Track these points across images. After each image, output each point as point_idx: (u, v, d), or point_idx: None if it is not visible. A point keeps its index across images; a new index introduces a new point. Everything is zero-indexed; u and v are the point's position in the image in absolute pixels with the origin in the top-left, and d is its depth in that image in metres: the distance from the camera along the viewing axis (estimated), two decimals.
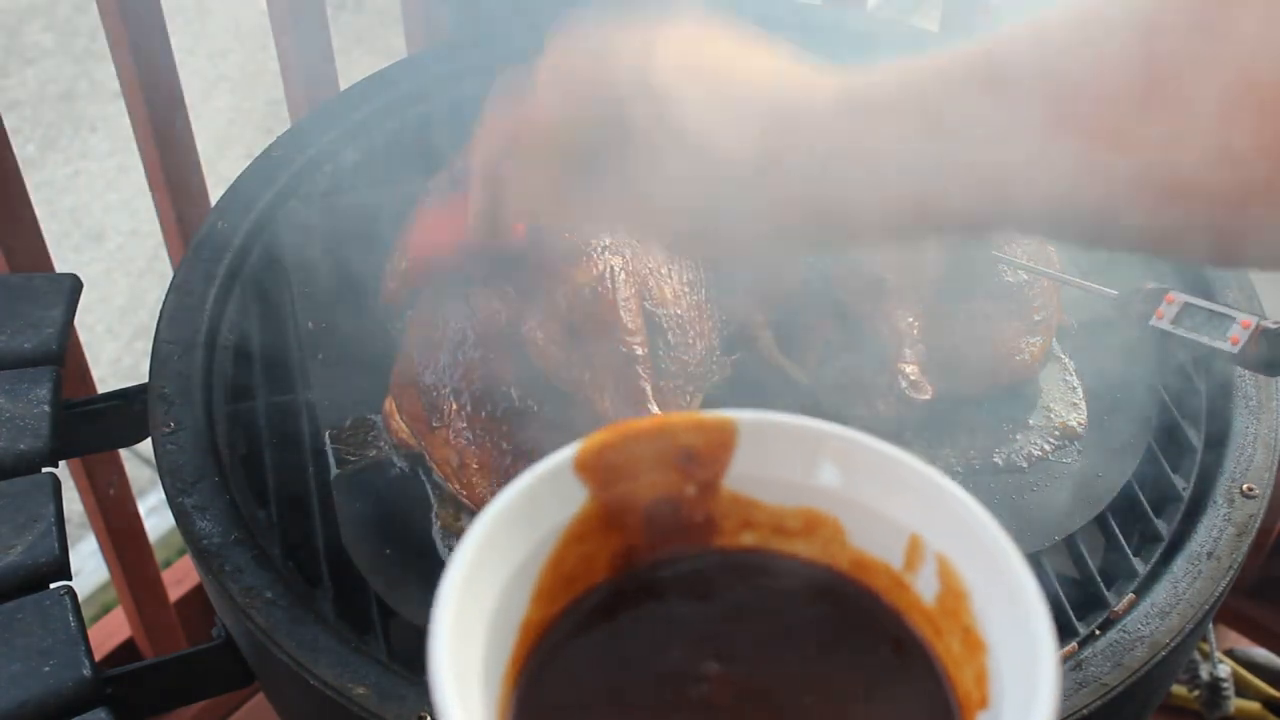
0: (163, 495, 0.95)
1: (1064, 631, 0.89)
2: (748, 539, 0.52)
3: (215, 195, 1.22)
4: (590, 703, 0.47)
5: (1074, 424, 0.99)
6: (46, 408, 0.99)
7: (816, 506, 0.50)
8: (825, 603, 0.50)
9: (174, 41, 1.29)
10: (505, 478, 0.88)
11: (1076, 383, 1.02)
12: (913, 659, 0.48)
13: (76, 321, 1.10)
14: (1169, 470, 0.98)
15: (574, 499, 0.49)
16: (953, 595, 0.47)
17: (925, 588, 0.48)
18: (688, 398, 0.91)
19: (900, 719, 0.47)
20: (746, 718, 0.46)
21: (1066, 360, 1.03)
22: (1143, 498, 0.97)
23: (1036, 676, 0.42)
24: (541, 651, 0.48)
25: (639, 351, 0.89)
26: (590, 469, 0.49)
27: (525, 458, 0.88)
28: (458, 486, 0.90)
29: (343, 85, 1.34)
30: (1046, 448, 0.98)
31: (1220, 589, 0.90)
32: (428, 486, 0.95)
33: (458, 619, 0.43)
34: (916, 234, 0.54)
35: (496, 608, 0.46)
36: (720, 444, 0.50)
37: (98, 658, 0.88)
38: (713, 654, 0.48)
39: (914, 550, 0.49)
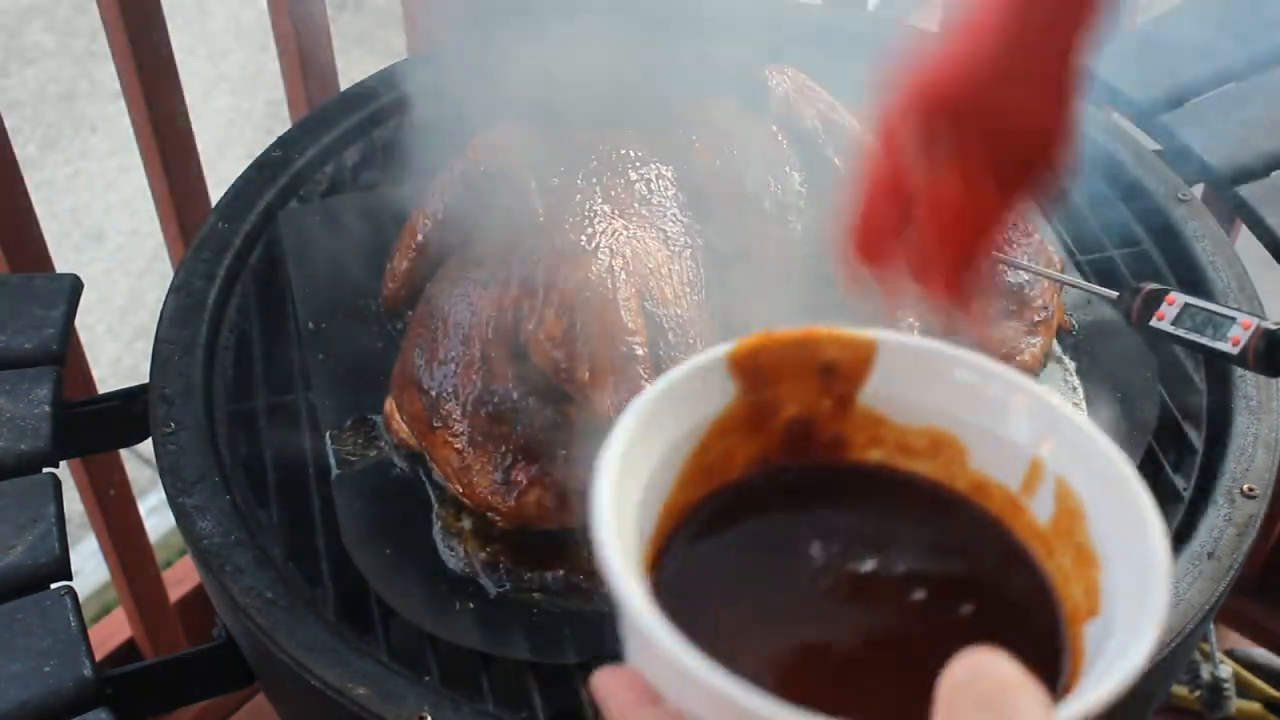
0: (163, 495, 0.96)
1: None
2: (874, 455, 0.54)
3: (215, 195, 1.22)
4: (722, 586, 0.50)
5: None
6: (47, 408, 0.99)
7: (942, 427, 0.53)
8: (942, 519, 0.53)
9: (174, 41, 1.29)
10: (505, 478, 0.88)
11: (1077, 383, 1.02)
12: (1023, 574, 0.50)
13: (77, 321, 1.10)
14: (1169, 470, 0.98)
15: (723, 394, 0.52)
16: (1068, 515, 0.49)
17: (1041, 509, 0.51)
18: None
19: (1009, 625, 0.48)
20: (861, 612, 0.49)
21: (1066, 360, 1.03)
22: None
23: (1150, 584, 0.44)
24: (681, 535, 0.51)
25: (639, 351, 0.89)
26: (741, 368, 0.52)
27: (525, 458, 0.88)
28: (458, 487, 0.90)
29: (343, 85, 1.34)
30: None
31: (1221, 589, 0.90)
32: (428, 486, 0.95)
33: (617, 488, 0.46)
34: None
35: (647, 485, 0.49)
36: (859, 360, 0.53)
37: (98, 658, 0.88)
38: (834, 554, 0.50)
39: (1034, 473, 0.51)
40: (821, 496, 0.54)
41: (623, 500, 0.47)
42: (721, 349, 0.51)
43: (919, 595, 0.49)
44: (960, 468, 0.53)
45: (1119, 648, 0.44)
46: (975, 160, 0.48)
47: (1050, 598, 0.49)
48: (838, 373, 0.53)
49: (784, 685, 0.44)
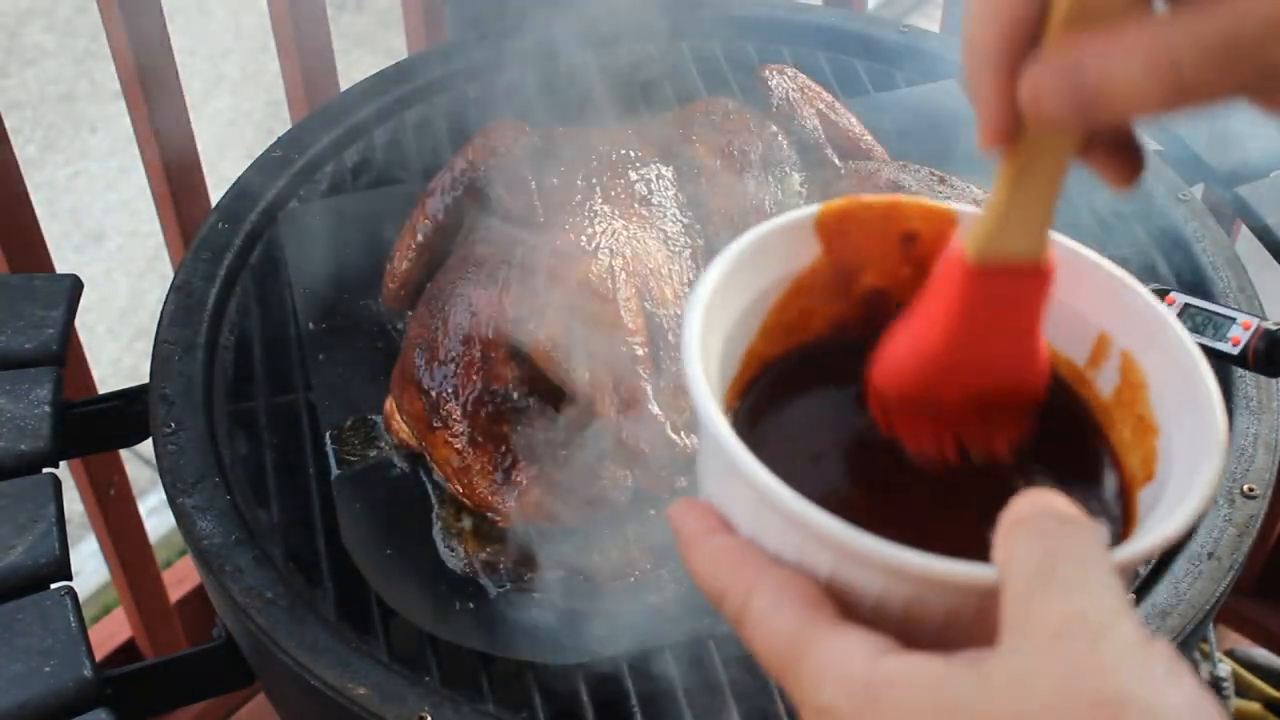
0: (163, 495, 0.96)
1: None
2: None
3: (215, 195, 1.22)
4: (795, 431, 0.52)
5: None
6: (47, 408, 0.99)
7: None
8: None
9: (174, 42, 1.29)
10: (505, 478, 0.88)
11: None
12: (1085, 443, 0.53)
13: (77, 322, 1.10)
14: None
15: (809, 252, 0.54)
16: (1130, 388, 0.52)
17: (1105, 383, 0.53)
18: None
19: (1069, 487, 0.49)
20: (928, 467, 0.51)
21: None
22: None
23: (1205, 449, 0.47)
24: (760, 383, 0.54)
25: (639, 351, 0.89)
26: (827, 230, 0.54)
27: (526, 458, 0.88)
28: (458, 487, 0.90)
29: (343, 85, 1.34)
30: None
31: (1221, 589, 0.90)
32: (428, 486, 0.95)
33: (705, 323, 0.49)
34: None
35: (731, 330, 0.52)
36: (940, 232, 0.54)
37: (98, 658, 0.88)
38: None
39: (1100, 347, 0.53)
40: None
41: (708, 339, 0.49)
42: (810, 209, 0.54)
43: (984, 457, 0.51)
44: None
45: (1173, 502, 0.46)
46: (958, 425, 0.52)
47: (1109, 466, 0.51)
48: (918, 242, 0.54)
49: (849, 518, 0.45)
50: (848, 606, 0.44)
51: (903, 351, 0.51)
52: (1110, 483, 0.51)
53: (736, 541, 0.46)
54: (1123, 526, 0.49)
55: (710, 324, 0.50)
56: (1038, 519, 0.42)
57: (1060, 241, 0.52)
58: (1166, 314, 0.51)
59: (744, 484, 0.44)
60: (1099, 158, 0.47)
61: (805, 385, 0.54)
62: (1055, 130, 0.45)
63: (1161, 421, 0.50)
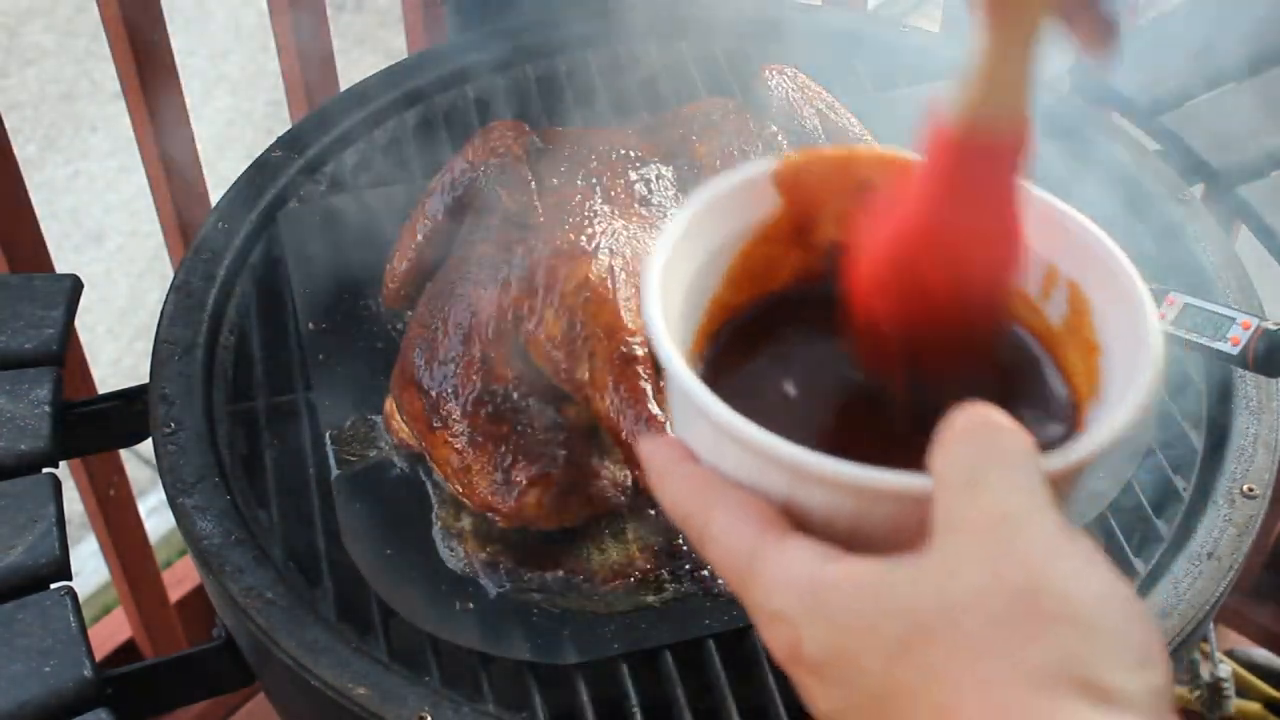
0: (163, 495, 0.96)
1: None
2: None
3: (215, 195, 1.22)
4: (758, 374, 0.55)
5: None
6: (47, 408, 0.99)
7: None
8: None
9: (174, 42, 1.29)
10: (505, 478, 0.88)
11: None
12: (1036, 370, 0.56)
13: (77, 322, 1.10)
14: (1169, 470, 0.98)
15: (768, 203, 0.57)
16: (1078, 315, 0.55)
17: (1055, 312, 0.56)
18: None
19: (1021, 410, 0.52)
20: (887, 399, 0.54)
21: None
22: (1143, 498, 0.97)
23: (1140, 363, 0.50)
24: (727, 328, 0.57)
25: (639, 351, 0.89)
26: (784, 183, 0.57)
27: (526, 458, 0.88)
28: (458, 487, 0.90)
29: (343, 85, 1.34)
30: None
31: (1221, 589, 0.90)
32: (428, 486, 0.95)
33: (664, 275, 0.52)
34: None
35: (692, 280, 0.54)
36: (894, 178, 0.56)
37: (98, 658, 0.88)
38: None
39: (1049, 279, 0.55)
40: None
41: (670, 287, 0.52)
42: (767, 162, 0.56)
43: (940, 386, 0.53)
44: None
45: (1107, 416, 0.49)
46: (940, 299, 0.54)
47: (1061, 389, 0.55)
48: (874, 191, 0.56)
49: (809, 444, 0.47)
50: (802, 523, 0.47)
51: (885, 233, 0.53)
52: (1061, 404, 0.54)
53: (700, 470, 0.50)
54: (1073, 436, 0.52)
55: (672, 272, 0.52)
56: (970, 428, 0.45)
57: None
58: (1107, 241, 0.54)
59: (702, 416, 0.48)
60: (1074, 24, 0.51)
61: (771, 333, 0.57)
62: None
63: (1105, 342, 0.53)
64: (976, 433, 0.45)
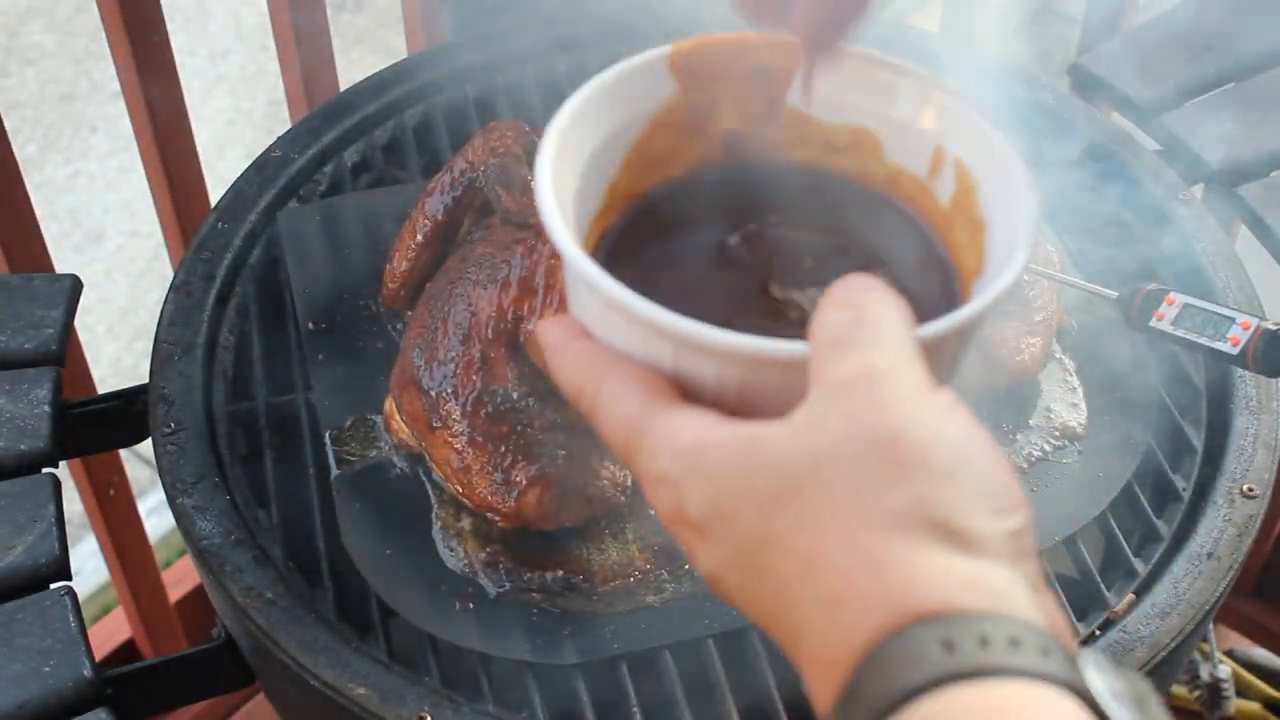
0: (163, 495, 0.96)
1: None
2: (802, 154, 0.60)
3: (215, 195, 1.22)
4: (654, 255, 0.57)
5: (1074, 424, 0.99)
6: (47, 408, 0.99)
7: (860, 123, 0.59)
8: (860, 207, 0.60)
9: (174, 41, 1.29)
10: (505, 478, 0.88)
11: (1076, 383, 1.02)
12: (927, 249, 0.58)
13: (76, 322, 1.10)
14: (1169, 470, 0.98)
15: (664, 89, 0.58)
16: (964, 192, 0.56)
17: (943, 190, 0.57)
18: None
19: (913, 288, 0.55)
20: (781, 278, 0.55)
21: (1066, 360, 1.03)
22: (1143, 498, 0.97)
23: (1018, 238, 0.52)
24: (626, 213, 0.58)
25: None
26: (679, 68, 0.58)
27: (525, 458, 0.88)
28: (458, 487, 0.90)
29: (343, 85, 1.34)
30: (1047, 448, 0.98)
31: (1220, 589, 0.90)
32: (428, 486, 0.95)
33: (558, 157, 0.52)
34: None
35: (589, 164, 0.55)
36: (788, 64, 0.58)
37: (98, 658, 0.88)
38: (759, 235, 0.57)
39: (937, 158, 0.57)
40: (754, 190, 0.60)
41: (564, 172, 0.53)
42: (662, 49, 0.57)
43: (834, 261, 0.56)
44: (877, 161, 0.59)
45: (979, 291, 0.51)
46: None
47: (949, 266, 0.57)
48: (768, 75, 0.58)
49: (701, 319, 0.49)
50: (691, 393, 0.49)
51: None
52: (949, 280, 0.56)
53: (593, 345, 0.51)
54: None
55: (566, 156, 0.53)
56: (846, 296, 0.47)
57: (890, 61, 0.57)
58: (984, 117, 0.55)
59: (592, 292, 0.49)
60: None
61: (669, 218, 0.58)
62: None
63: (989, 218, 0.55)
64: (851, 299, 0.47)
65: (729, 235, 0.57)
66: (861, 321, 0.46)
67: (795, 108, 0.59)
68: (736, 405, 0.48)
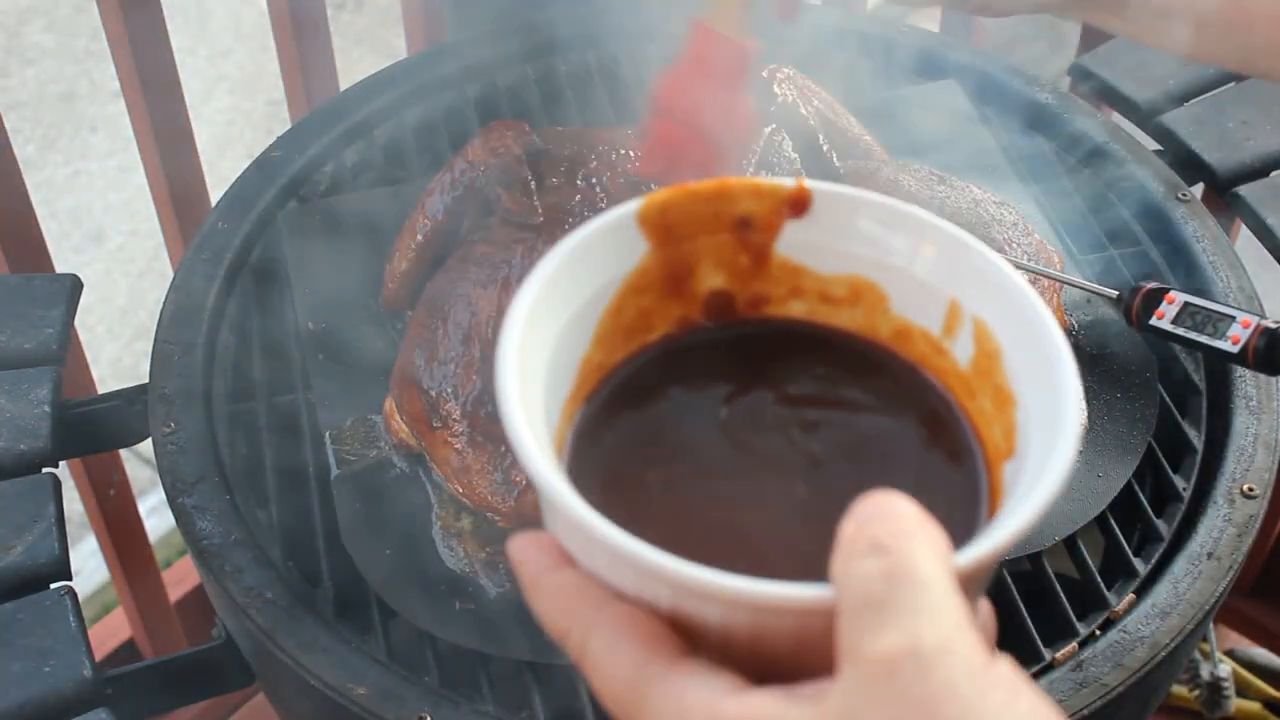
0: (163, 495, 0.96)
1: (1064, 632, 0.89)
2: (796, 309, 0.54)
3: (215, 195, 1.22)
4: (638, 443, 0.50)
5: None
6: (46, 408, 0.99)
7: (861, 274, 0.52)
8: (865, 370, 0.53)
9: (174, 41, 1.29)
10: (505, 478, 0.88)
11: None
12: (945, 421, 0.51)
13: (76, 322, 1.10)
14: (1169, 470, 0.98)
15: (635, 250, 0.51)
16: (986, 356, 0.50)
17: (961, 352, 0.51)
18: None
19: (931, 470, 0.48)
20: (780, 469, 0.49)
21: None
22: (1143, 498, 0.97)
23: (1061, 421, 0.44)
24: (601, 392, 0.51)
25: None
26: (651, 224, 0.51)
27: None
28: (458, 487, 0.90)
29: (343, 85, 1.34)
30: None
31: (1221, 589, 0.90)
32: (428, 486, 0.95)
33: (522, 345, 0.46)
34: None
35: (558, 343, 0.49)
36: (774, 210, 0.52)
37: (98, 658, 0.88)
38: (753, 411, 0.51)
39: (952, 315, 0.51)
40: (743, 355, 0.53)
41: (530, 363, 0.46)
42: (631, 204, 0.50)
43: (840, 448, 0.49)
44: (882, 315, 0.53)
45: (1024, 491, 0.44)
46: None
47: (971, 441, 0.50)
48: (754, 225, 0.52)
49: (697, 541, 0.44)
50: (694, 637, 0.42)
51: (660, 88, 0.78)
52: (972, 458, 0.49)
53: (576, 577, 0.43)
54: (989, 505, 0.48)
55: (530, 343, 0.47)
56: (874, 527, 0.40)
57: (897, 207, 0.51)
58: (1013, 274, 0.48)
59: (570, 523, 0.42)
60: None
61: (650, 392, 0.52)
62: None
63: (1018, 391, 0.48)
64: (880, 541, 0.39)
65: (717, 410, 0.51)
66: (897, 575, 0.39)
67: (786, 258, 0.53)
68: (747, 649, 0.42)
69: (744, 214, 0.52)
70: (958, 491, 0.48)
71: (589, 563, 0.43)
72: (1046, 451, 0.44)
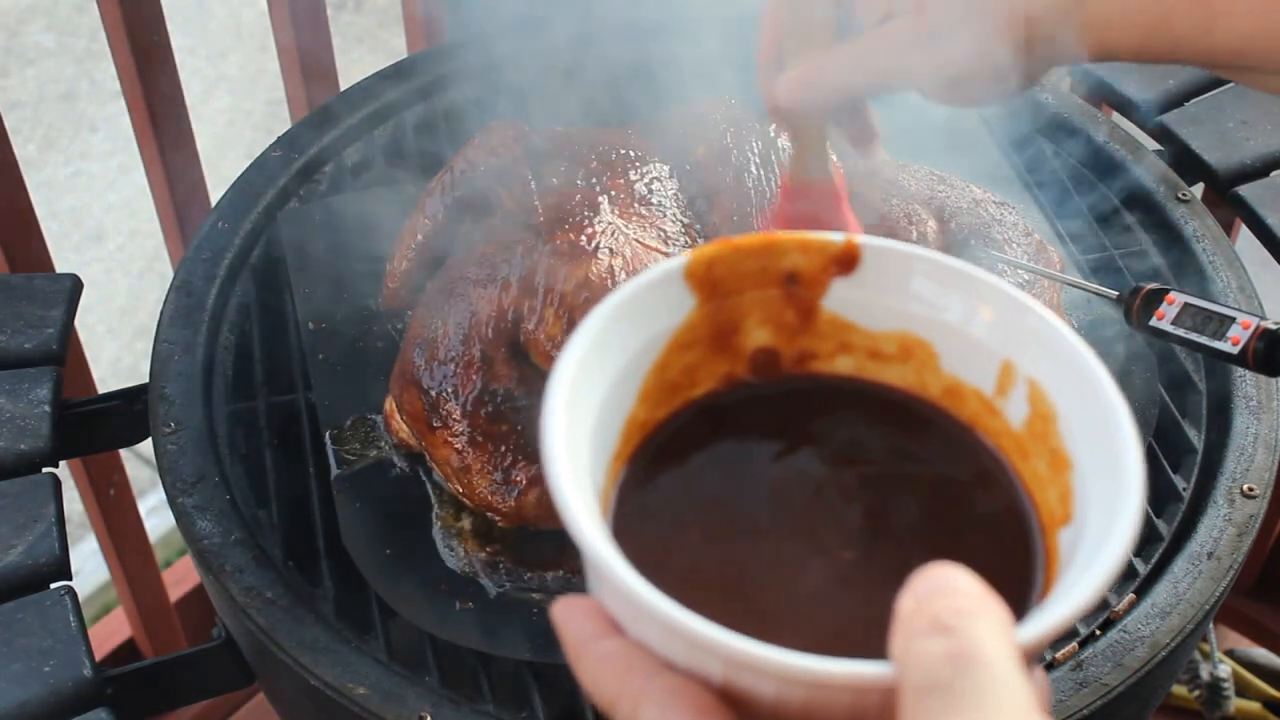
0: (163, 495, 0.96)
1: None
2: (844, 364, 0.53)
3: (215, 195, 1.22)
4: (686, 505, 0.49)
5: None
6: (46, 408, 0.99)
7: (912, 331, 0.51)
8: (915, 429, 0.52)
9: (174, 41, 1.29)
10: (505, 478, 0.88)
11: None
12: (997, 483, 0.49)
13: (77, 321, 1.10)
14: (1169, 470, 0.98)
15: (682, 306, 0.50)
16: (1041, 418, 0.48)
17: (1015, 412, 0.49)
18: None
19: (983, 535, 0.47)
20: (830, 531, 0.48)
21: None
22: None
23: (1122, 488, 0.43)
24: (646, 450, 0.50)
25: None
26: (698, 279, 0.50)
27: (525, 458, 0.88)
28: (458, 487, 0.90)
29: (343, 85, 1.34)
30: None
31: (1220, 589, 0.90)
32: (428, 486, 0.95)
33: (570, 405, 0.45)
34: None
35: (604, 401, 0.47)
36: (821, 267, 0.51)
37: (98, 658, 0.88)
38: (801, 471, 0.50)
39: (1005, 375, 0.50)
40: (789, 413, 0.53)
41: (577, 421, 0.45)
42: (678, 260, 0.50)
43: (890, 511, 0.48)
44: (932, 372, 0.52)
45: (1085, 561, 0.42)
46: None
47: (1024, 505, 0.48)
48: (801, 281, 0.52)
49: (746, 608, 0.43)
50: (746, 709, 0.41)
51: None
52: (1026, 521, 0.48)
53: (624, 646, 0.42)
54: (1045, 572, 0.46)
55: (579, 401, 0.46)
56: (935, 604, 0.38)
57: (951, 264, 0.50)
58: (1071, 335, 0.47)
59: (620, 593, 0.41)
60: (845, 127, 0.83)
61: (697, 450, 0.51)
62: (793, 110, 0.79)
63: (1075, 455, 0.47)
64: (943, 620, 0.38)
65: (765, 470, 0.50)
66: (961, 658, 0.37)
67: (834, 314, 0.52)
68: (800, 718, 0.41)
69: (791, 269, 0.51)
70: (1013, 558, 0.47)
71: (637, 631, 0.43)
72: (1107, 520, 0.43)
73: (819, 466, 0.50)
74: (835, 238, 0.51)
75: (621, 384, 0.49)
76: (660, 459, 0.50)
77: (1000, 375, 0.50)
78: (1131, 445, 0.44)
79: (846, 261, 0.51)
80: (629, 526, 0.44)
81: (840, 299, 0.52)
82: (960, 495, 0.50)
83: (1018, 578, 0.45)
